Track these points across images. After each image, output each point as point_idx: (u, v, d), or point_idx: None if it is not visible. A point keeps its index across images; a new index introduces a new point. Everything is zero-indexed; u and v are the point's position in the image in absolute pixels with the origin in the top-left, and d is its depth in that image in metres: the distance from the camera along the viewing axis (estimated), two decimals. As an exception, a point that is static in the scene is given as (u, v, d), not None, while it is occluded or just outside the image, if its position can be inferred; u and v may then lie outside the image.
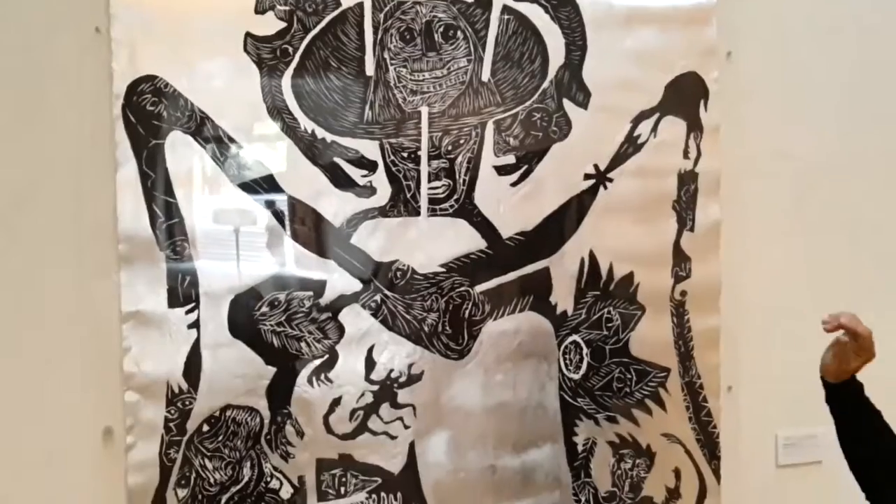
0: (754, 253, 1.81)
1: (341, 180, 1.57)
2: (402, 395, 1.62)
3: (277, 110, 1.54)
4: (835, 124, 1.88)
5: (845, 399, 1.33)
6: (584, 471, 1.71)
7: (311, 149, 1.56)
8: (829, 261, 1.85)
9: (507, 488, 1.67)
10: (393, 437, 1.62)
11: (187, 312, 1.53)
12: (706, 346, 1.78)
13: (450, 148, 1.61)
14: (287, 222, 1.55)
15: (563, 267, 1.69)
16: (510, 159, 1.65)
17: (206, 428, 1.54)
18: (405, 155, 1.59)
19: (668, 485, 1.77)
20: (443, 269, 1.63)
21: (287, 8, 1.53)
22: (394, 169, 1.59)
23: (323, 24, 1.55)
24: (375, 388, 1.60)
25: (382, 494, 1.61)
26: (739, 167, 1.77)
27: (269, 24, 1.53)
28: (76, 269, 1.50)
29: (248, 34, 1.52)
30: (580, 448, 1.71)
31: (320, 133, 1.56)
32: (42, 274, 1.49)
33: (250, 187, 1.54)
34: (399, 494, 1.62)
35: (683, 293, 1.76)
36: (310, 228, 1.56)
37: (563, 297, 1.69)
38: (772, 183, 1.82)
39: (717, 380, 1.78)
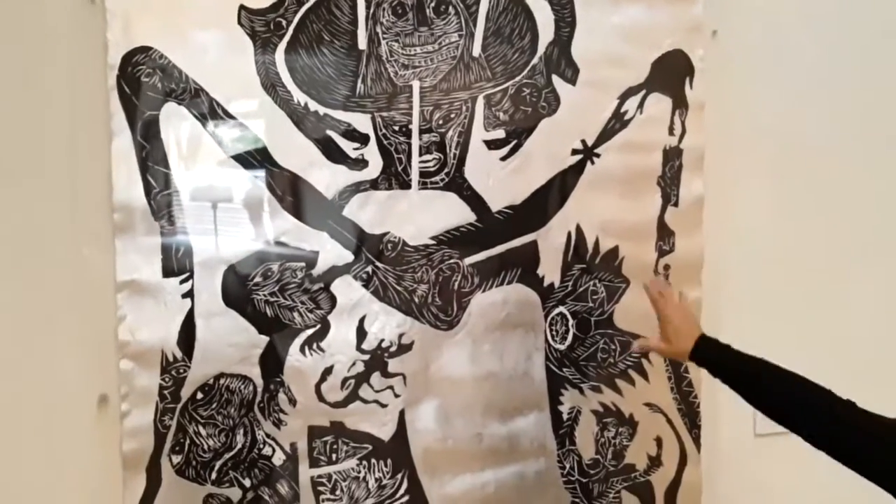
0: (736, 228, 1.85)
1: (333, 153, 1.60)
2: (393, 365, 1.65)
3: (271, 83, 1.56)
4: (817, 102, 1.92)
5: (717, 360, 1.38)
6: (568, 438, 1.76)
7: (304, 121, 1.58)
8: (809, 236, 1.90)
9: (494, 455, 1.71)
10: (383, 406, 1.65)
11: (182, 282, 1.55)
12: (688, 319, 1.82)
13: (441, 122, 1.64)
14: (280, 194, 1.57)
15: (551, 240, 1.72)
16: (500, 134, 1.67)
17: (199, 396, 1.57)
18: (396, 128, 1.62)
19: (649, 453, 1.82)
20: (433, 242, 1.66)
21: (281, -19, 1.55)
22: (385, 142, 1.61)
23: (316, -3, 1.57)
24: (366, 357, 1.64)
25: (373, 461, 1.65)
26: (723, 144, 1.81)
27: (264, -3, 1.54)
28: (71, 239, 1.52)
29: (242, 7, 1.54)
30: (565, 416, 1.76)
31: (313, 106, 1.58)
32: (37, 243, 1.50)
33: (244, 159, 1.56)
34: (389, 461, 1.66)
35: (667, 267, 1.80)
36: (302, 200, 1.59)
37: (549, 269, 1.73)
38: (755, 160, 1.86)
39: (698, 351, 1.83)
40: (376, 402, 1.65)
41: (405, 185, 1.63)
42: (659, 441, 1.82)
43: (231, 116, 1.55)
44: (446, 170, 1.65)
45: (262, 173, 1.57)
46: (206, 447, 1.57)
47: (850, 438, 1.21)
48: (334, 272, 1.61)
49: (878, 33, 1.96)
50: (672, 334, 1.44)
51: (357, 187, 1.61)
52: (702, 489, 1.85)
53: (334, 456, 1.63)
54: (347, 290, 1.62)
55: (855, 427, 1.20)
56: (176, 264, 1.55)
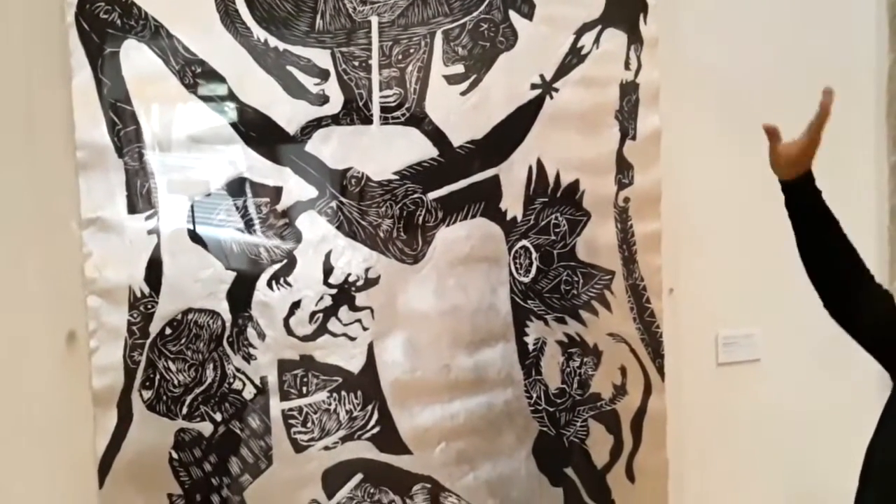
0: (693, 161, 1.89)
1: (294, 89, 1.61)
2: (360, 299, 1.68)
3: (230, 19, 1.57)
4: (767, 38, 1.97)
5: (805, 198, 1.40)
6: (534, 369, 1.79)
7: (264, 57, 1.59)
8: (763, 167, 1.94)
9: (463, 386, 1.74)
10: (352, 339, 1.68)
11: (147, 219, 1.56)
12: (648, 250, 1.87)
13: (400, 57, 1.66)
14: (243, 130, 1.59)
15: (513, 174, 1.76)
16: (459, 69, 1.70)
17: (168, 331, 1.58)
18: (356, 64, 1.64)
19: (614, 382, 1.86)
20: (396, 177, 1.68)
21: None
22: (345, 77, 1.64)
23: (274, -67, 1.58)
24: (333, 291, 1.66)
25: (343, 393, 1.67)
26: (678, 79, 1.85)
27: (221, -68, 1.56)
28: (35, 178, 1.52)
29: (199, -58, 1.55)
30: (531, 347, 1.79)
31: (273, 42, 1.60)
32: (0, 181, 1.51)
33: (205, 95, 1.57)
34: (359, 393, 1.68)
35: (626, 199, 1.84)
36: (265, 136, 1.60)
37: (512, 203, 1.77)
38: (709, 93, 1.91)
39: (659, 282, 1.88)
40: (345, 335, 1.67)
41: (367, 121, 1.66)
42: (623, 370, 1.87)
43: (192, 53, 1.56)
44: (407, 105, 1.67)
45: (224, 109, 1.58)
46: (176, 382, 1.59)
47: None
48: (299, 207, 1.63)
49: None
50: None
51: (319, 123, 1.63)
52: (667, 417, 1.90)
53: (304, 389, 1.65)
54: (313, 225, 1.64)
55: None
56: (140, 201, 1.56)
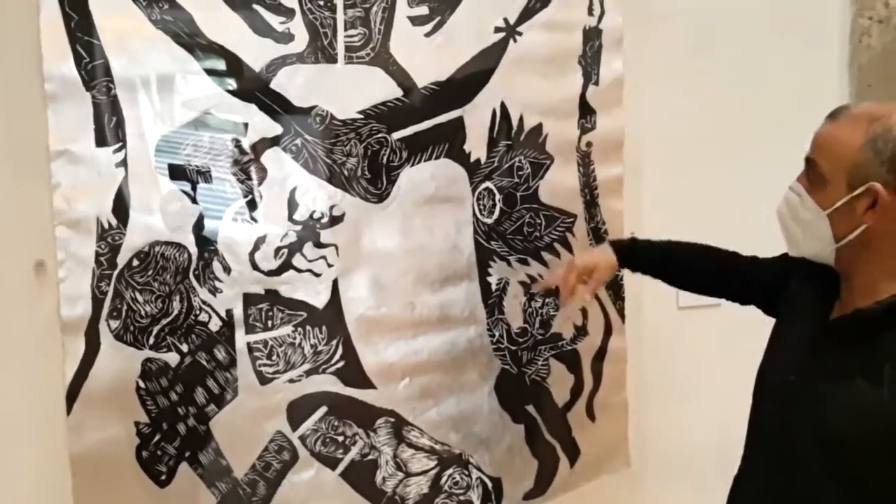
0: (655, 106, 1.94)
1: (260, 27, 1.64)
2: (325, 236, 1.71)
3: (196, -44, 1.60)
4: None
5: (638, 258, 1.62)
6: (497, 308, 1.84)
7: (231, -5, 1.62)
8: (724, 112, 1.99)
9: (427, 323, 1.78)
10: (317, 275, 1.71)
11: (115, 152, 1.59)
12: (610, 194, 1.91)
13: (364, -3, 1.69)
14: (209, 66, 1.62)
15: (477, 116, 1.79)
16: (423, 10, 1.73)
17: (135, 263, 1.61)
18: (321, 3, 1.67)
19: (575, 323, 1.91)
20: (361, 116, 1.71)
21: None
22: (311, 16, 1.66)
23: None
24: (298, 227, 1.69)
25: (308, 328, 1.71)
26: (641, 24, 1.89)
27: None
28: (3, 109, 1.55)
29: None
30: (494, 287, 1.84)
31: (239, -20, 1.62)
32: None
33: (172, 31, 1.60)
34: (324, 328, 1.72)
35: (589, 144, 1.88)
36: (230, 72, 1.63)
37: (476, 145, 1.80)
38: (671, 39, 1.95)
39: (620, 225, 1.92)
40: (310, 271, 1.71)
41: (332, 60, 1.68)
42: (584, 312, 1.91)
43: (158, -11, 1.59)
44: (372, 45, 1.70)
45: (190, 45, 1.60)
46: (143, 313, 1.62)
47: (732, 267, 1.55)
48: (264, 144, 1.66)
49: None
50: (589, 261, 1.60)
51: (284, 61, 1.66)
52: (626, 358, 1.95)
53: (269, 322, 1.69)
54: (278, 161, 1.67)
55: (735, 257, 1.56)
56: (109, 135, 1.58)
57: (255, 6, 1.63)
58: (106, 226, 1.59)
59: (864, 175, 1.11)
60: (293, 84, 1.66)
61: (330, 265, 1.72)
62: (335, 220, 1.72)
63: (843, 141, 1.14)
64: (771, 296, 1.42)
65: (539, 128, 1.84)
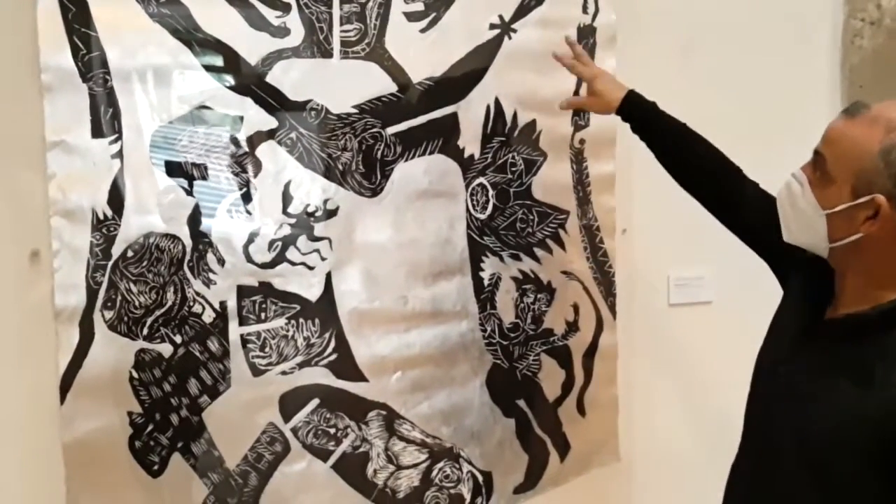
0: (648, 104, 1.94)
1: (256, 21, 1.65)
2: (319, 229, 1.72)
3: (192, -51, 1.61)
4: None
5: (644, 112, 1.58)
6: (489, 303, 1.85)
7: (227, -12, 1.63)
8: (716, 111, 1.99)
9: (419, 316, 1.79)
10: (311, 268, 1.72)
11: (111, 143, 1.60)
12: (602, 191, 1.93)
13: (360, -8, 1.70)
14: (206, 59, 1.63)
15: (471, 112, 1.80)
16: (419, 6, 1.74)
17: (130, 253, 1.62)
18: (317, -2, 1.68)
19: (567, 318, 1.92)
20: (355, 111, 1.73)
21: None
22: (307, 11, 1.67)
23: None
24: (292, 220, 1.71)
25: (301, 320, 1.72)
26: (635, 22, 1.90)
27: None
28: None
29: None
30: (486, 282, 1.85)
31: (235, -26, 1.63)
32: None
33: (169, 24, 1.61)
34: (317, 321, 1.73)
35: (582, 141, 1.90)
36: (226, 66, 1.64)
37: (470, 141, 1.81)
38: (665, 37, 1.96)
39: (612, 222, 1.94)
40: (303, 264, 1.72)
41: (327, 54, 1.70)
42: (576, 307, 1.93)
43: (155, -18, 1.59)
44: (367, 40, 1.71)
45: (187, 38, 1.61)
46: (137, 304, 1.63)
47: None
48: (259, 137, 1.67)
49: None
50: (601, 88, 1.56)
51: (279, 54, 1.67)
52: (617, 353, 1.96)
53: (263, 315, 1.70)
54: (272, 155, 1.68)
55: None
56: (105, 126, 1.59)
57: (252, 0, 1.64)
58: (101, 216, 1.60)
59: (871, 183, 1.08)
60: (288, 78, 1.67)
61: (323, 258, 1.73)
62: (329, 214, 1.73)
63: (857, 143, 1.09)
64: (775, 253, 1.39)
65: (533, 124, 1.85)
